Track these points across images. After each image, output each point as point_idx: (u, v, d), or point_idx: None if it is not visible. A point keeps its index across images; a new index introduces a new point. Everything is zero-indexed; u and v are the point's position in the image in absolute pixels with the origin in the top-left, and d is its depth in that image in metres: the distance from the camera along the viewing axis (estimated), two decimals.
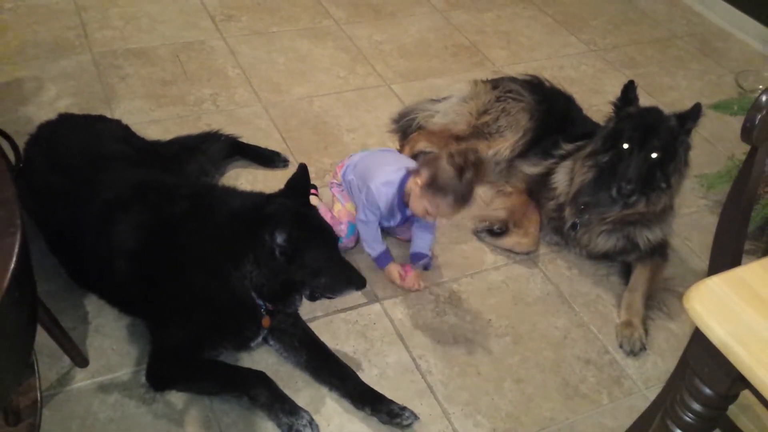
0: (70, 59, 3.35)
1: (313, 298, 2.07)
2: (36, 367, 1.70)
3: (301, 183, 2.06)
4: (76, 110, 2.97)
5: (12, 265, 1.12)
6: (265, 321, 2.08)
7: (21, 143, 2.43)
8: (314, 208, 2.10)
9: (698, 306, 1.36)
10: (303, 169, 2.06)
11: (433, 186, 2.24)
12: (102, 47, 3.46)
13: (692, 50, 4.11)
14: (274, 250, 1.89)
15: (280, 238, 1.88)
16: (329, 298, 2.09)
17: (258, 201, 2.03)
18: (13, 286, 1.09)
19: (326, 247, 2.00)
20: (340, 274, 2.02)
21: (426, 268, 2.53)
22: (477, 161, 2.25)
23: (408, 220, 2.52)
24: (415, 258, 2.51)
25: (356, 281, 2.05)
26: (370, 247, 2.48)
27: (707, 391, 1.42)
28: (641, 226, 2.54)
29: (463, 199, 2.26)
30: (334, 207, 2.59)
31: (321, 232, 2.02)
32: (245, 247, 1.93)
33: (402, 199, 2.40)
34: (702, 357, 1.43)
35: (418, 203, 2.32)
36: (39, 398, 1.61)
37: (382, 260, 2.48)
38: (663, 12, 4.47)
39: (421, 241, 2.51)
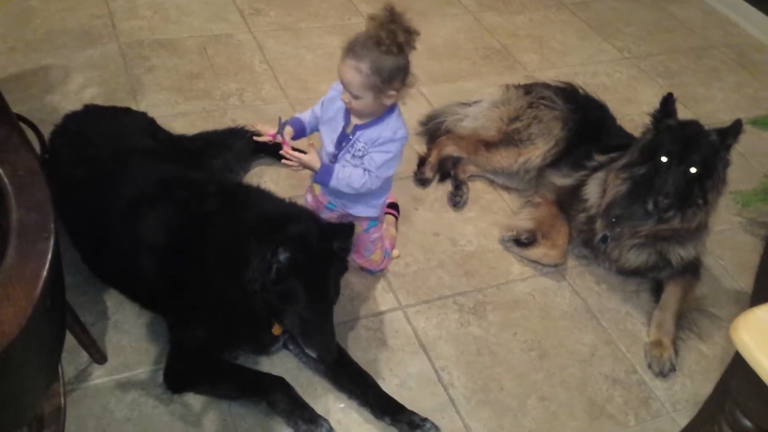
0: (97, 48, 3.33)
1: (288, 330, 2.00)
2: (60, 372, 1.65)
3: (341, 233, 1.96)
4: (101, 100, 2.95)
5: (44, 273, 1.08)
6: (276, 329, 2.03)
7: (45, 132, 2.42)
8: (336, 261, 1.95)
9: (746, 337, 1.30)
10: (351, 228, 1.98)
11: None
12: (129, 37, 3.43)
13: (728, 61, 4.01)
14: (272, 265, 1.82)
15: (282, 256, 1.81)
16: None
17: (286, 212, 1.98)
18: (45, 294, 1.05)
19: (317, 295, 1.88)
20: (317, 330, 1.90)
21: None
22: (395, 18, 1.92)
23: (347, 142, 2.13)
24: (323, 168, 2.10)
25: (324, 348, 1.91)
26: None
27: (748, 424, 1.37)
28: (674, 243, 2.47)
29: (350, 45, 1.96)
30: None
31: (322, 280, 1.89)
32: (254, 253, 1.86)
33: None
34: (746, 389, 1.37)
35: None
36: (63, 404, 1.56)
37: (290, 119, 2.21)
38: (698, 21, 4.38)
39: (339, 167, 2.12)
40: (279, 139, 2.12)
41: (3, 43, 3.25)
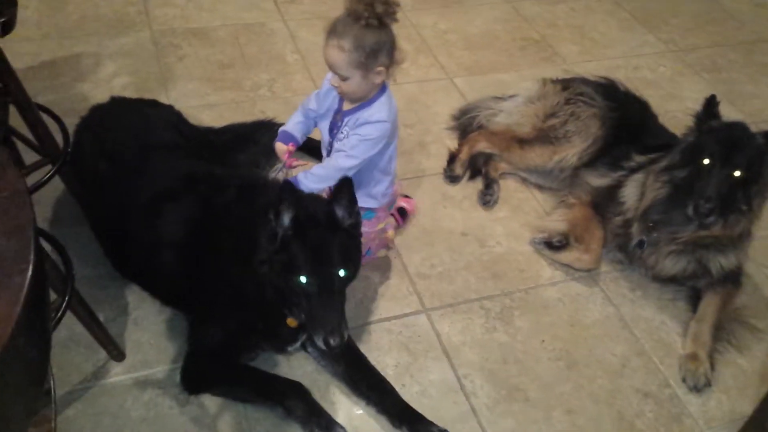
0: (130, 36, 3.31)
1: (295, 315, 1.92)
2: (53, 395, 1.56)
3: (338, 189, 1.84)
4: (132, 89, 2.94)
5: (18, 310, 0.97)
6: (290, 321, 1.96)
7: (75, 121, 2.39)
8: (342, 232, 1.82)
9: None
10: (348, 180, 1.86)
11: None
12: (162, 25, 3.41)
13: None
14: (277, 232, 1.74)
15: (285, 218, 1.73)
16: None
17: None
18: (18, 334, 0.96)
19: (320, 262, 1.75)
20: (322, 306, 1.76)
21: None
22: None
23: (337, 129, 2.17)
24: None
25: (329, 328, 1.75)
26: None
27: None
28: (715, 251, 2.35)
29: (332, 26, 1.96)
30: None
31: (326, 246, 1.77)
32: (262, 234, 1.80)
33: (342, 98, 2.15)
34: None
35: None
36: (53, 428, 1.48)
37: (279, 136, 2.26)
38: (749, 13, 4.17)
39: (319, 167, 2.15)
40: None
41: (37, 30, 3.26)
